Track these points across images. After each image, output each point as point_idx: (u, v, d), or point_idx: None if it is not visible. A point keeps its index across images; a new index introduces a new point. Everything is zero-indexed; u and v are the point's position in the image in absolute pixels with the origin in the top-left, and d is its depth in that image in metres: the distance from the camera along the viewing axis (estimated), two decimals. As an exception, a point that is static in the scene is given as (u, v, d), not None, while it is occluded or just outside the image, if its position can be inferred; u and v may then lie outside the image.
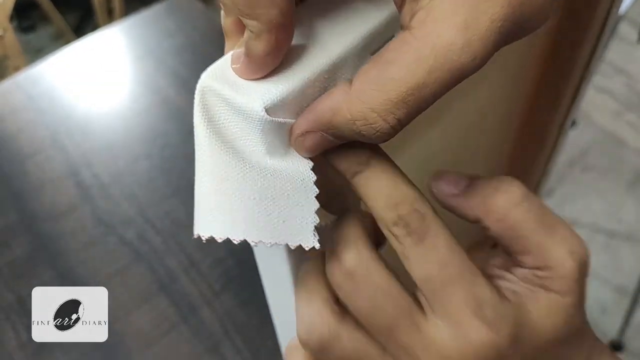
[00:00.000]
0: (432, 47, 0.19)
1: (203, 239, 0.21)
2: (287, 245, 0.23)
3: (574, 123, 1.69)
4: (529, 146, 0.47)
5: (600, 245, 1.49)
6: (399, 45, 0.20)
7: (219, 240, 0.21)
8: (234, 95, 0.21)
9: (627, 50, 1.88)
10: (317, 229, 0.22)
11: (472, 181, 0.24)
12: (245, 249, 0.34)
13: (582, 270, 0.24)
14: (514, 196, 0.23)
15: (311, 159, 0.22)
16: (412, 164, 0.36)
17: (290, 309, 0.32)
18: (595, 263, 1.45)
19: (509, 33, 0.19)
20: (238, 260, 0.65)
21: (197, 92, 0.21)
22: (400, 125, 0.20)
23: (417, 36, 0.19)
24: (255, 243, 0.21)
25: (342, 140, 0.21)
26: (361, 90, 0.20)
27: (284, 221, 0.21)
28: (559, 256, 0.23)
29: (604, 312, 1.37)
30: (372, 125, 0.20)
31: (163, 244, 0.65)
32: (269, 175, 0.21)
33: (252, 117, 0.20)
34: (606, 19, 0.37)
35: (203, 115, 0.21)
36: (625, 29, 1.79)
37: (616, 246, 1.48)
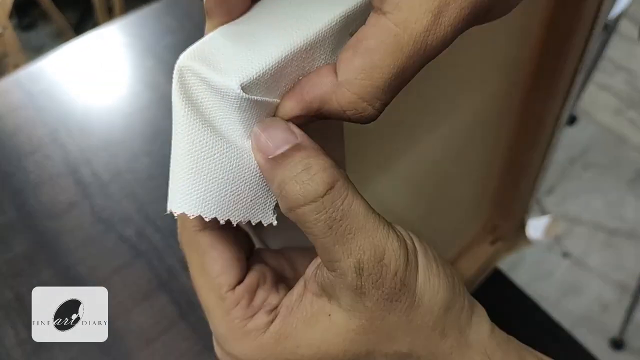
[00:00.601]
0: (410, 33, 0.19)
1: (175, 214, 0.22)
2: (266, 227, 0.24)
3: (574, 120, 1.69)
4: (524, 140, 0.47)
5: (601, 242, 1.48)
6: (377, 31, 0.20)
7: (191, 217, 0.22)
8: (211, 74, 0.21)
9: (627, 48, 1.87)
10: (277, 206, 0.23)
11: (291, 151, 0.21)
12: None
13: (368, 285, 0.21)
14: (308, 192, 0.21)
15: None
16: (416, 160, 0.36)
17: None
18: (596, 261, 1.45)
19: (476, 18, 0.20)
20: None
21: (175, 71, 0.21)
22: (384, 107, 0.21)
23: (394, 21, 0.20)
24: (224, 221, 0.22)
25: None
26: (349, 81, 0.20)
27: (251, 200, 0.22)
28: (344, 267, 0.21)
29: (605, 309, 1.37)
30: (362, 113, 0.21)
31: (162, 242, 0.65)
32: (245, 155, 0.22)
33: (228, 95, 0.21)
34: (598, 9, 0.37)
35: (181, 94, 0.21)
36: (625, 26, 1.79)
37: (617, 244, 1.48)
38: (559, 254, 1.46)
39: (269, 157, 0.21)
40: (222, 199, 0.22)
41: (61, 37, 1.97)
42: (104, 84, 0.83)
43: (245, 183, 0.22)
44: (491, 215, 0.57)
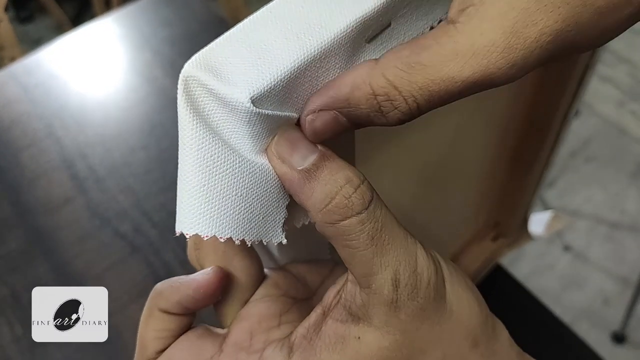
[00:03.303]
0: (471, 44, 0.18)
1: (187, 236, 0.20)
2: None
3: (576, 112, 1.68)
4: (532, 137, 0.46)
5: (602, 236, 1.48)
6: (439, 33, 0.19)
7: (205, 238, 0.20)
8: (218, 85, 0.19)
9: (631, 39, 1.86)
10: (285, 223, 0.22)
11: (320, 161, 0.20)
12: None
13: (404, 297, 0.21)
14: (355, 204, 0.20)
15: None
16: (421, 156, 0.35)
17: None
18: (598, 254, 1.44)
19: (554, 52, 0.18)
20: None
21: (179, 82, 0.20)
22: (418, 111, 0.19)
23: (460, 30, 0.18)
24: (239, 241, 0.21)
25: (355, 125, 0.21)
26: (387, 67, 0.19)
27: (262, 218, 0.21)
28: (381, 280, 0.20)
29: (607, 303, 1.37)
30: (393, 102, 0.19)
31: (159, 237, 0.65)
32: (256, 170, 0.21)
33: (237, 109, 0.19)
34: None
35: (188, 106, 0.20)
36: (629, 18, 1.77)
37: (619, 237, 1.47)
38: (560, 247, 1.45)
39: (299, 168, 0.20)
40: (236, 217, 0.21)
41: (59, 30, 1.96)
42: (100, 77, 0.82)
43: (257, 200, 0.21)
44: (494, 212, 0.56)
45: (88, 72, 0.83)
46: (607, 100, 1.75)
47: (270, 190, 0.21)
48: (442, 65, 0.18)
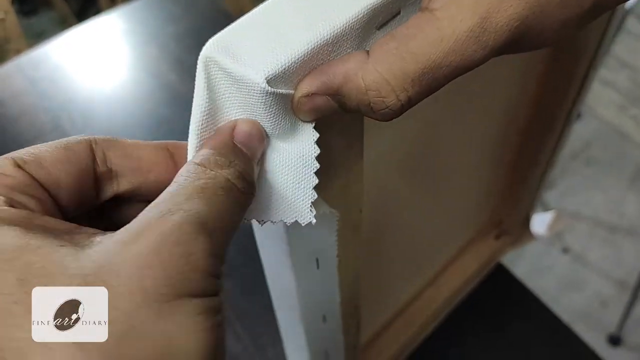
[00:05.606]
0: (454, 30, 0.19)
1: None
2: (285, 228, 0.24)
3: (578, 116, 1.68)
4: (535, 138, 0.47)
5: (601, 239, 1.48)
6: (420, 22, 0.19)
7: None
8: (235, 67, 0.20)
9: (633, 44, 1.86)
10: (314, 204, 0.22)
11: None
12: (246, 236, 0.34)
13: None
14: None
15: (316, 130, 0.22)
16: (427, 153, 0.36)
17: (290, 293, 0.32)
18: (596, 257, 1.45)
19: (520, 38, 0.19)
20: (239, 247, 0.64)
21: (199, 62, 0.21)
22: (408, 105, 0.20)
23: (439, 17, 0.19)
24: (248, 220, 0.22)
25: (345, 111, 0.21)
26: (379, 61, 0.20)
27: (280, 199, 0.22)
28: None
29: (604, 306, 1.37)
30: (384, 99, 0.20)
31: (164, 231, 0.65)
32: (272, 152, 0.22)
33: (254, 90, 0.20)
34: (612, 12, 0.36)
35: (206, 86, 0.21)
36: (631, 23, 1.78)
37: (617, 240, 1.48)
38: (559, 249, 1.46)
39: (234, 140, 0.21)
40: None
41: (63, 24, 1.96)
42: (106, 71, 0.83)
43: (272, 182, 0.22)
44: (497, 210, 0.57)
45: (94, 66, 0.84)
46: (608, 104, 1.76)
47: (289, 172, 0.22)
48: (430, 53, 0.19)
